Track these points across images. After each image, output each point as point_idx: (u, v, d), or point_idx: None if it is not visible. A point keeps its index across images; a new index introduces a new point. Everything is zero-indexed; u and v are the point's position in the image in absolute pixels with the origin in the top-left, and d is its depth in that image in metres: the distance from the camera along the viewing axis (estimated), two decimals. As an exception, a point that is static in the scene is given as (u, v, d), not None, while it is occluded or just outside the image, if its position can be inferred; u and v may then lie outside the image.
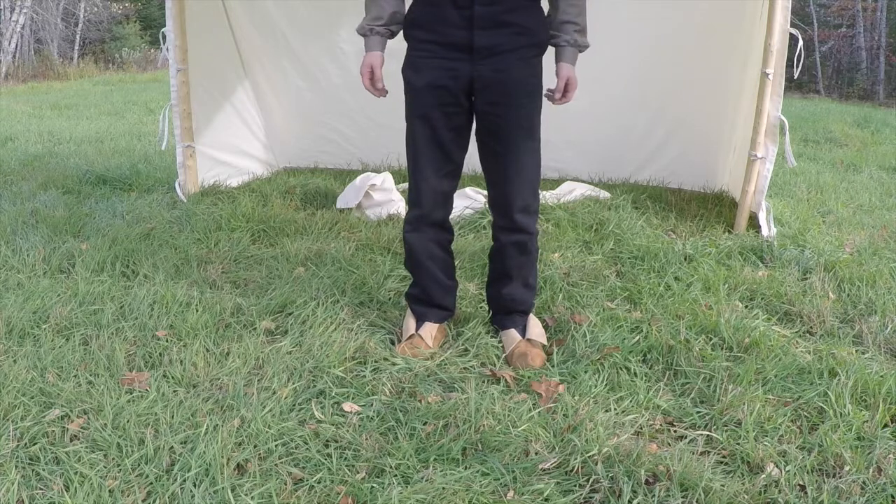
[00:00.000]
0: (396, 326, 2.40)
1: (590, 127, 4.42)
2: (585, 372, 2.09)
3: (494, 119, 2.07)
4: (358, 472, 1.64)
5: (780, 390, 2.01)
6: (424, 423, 1.83)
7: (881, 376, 2.05)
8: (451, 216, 2.27)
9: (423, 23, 2.03)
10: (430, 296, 2.30)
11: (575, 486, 1.62)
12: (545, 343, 2.25)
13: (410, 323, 2.31)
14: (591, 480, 1.63)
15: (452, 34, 1.99)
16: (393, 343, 2.28)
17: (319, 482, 1.61)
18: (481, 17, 1.96)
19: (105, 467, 1.63)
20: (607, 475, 1.63)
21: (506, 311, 2.28)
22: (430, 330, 2.28)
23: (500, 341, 2.27)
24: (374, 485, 1.59)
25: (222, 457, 1.64)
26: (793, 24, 3.34)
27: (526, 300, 2.28)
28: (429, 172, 2.13)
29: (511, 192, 2.11)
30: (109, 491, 1.54)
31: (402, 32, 2.13)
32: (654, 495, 1.57)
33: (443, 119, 2.08)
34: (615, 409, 1.90)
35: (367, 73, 2.08)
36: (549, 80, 2.06)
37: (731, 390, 1.98)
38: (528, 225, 2.16)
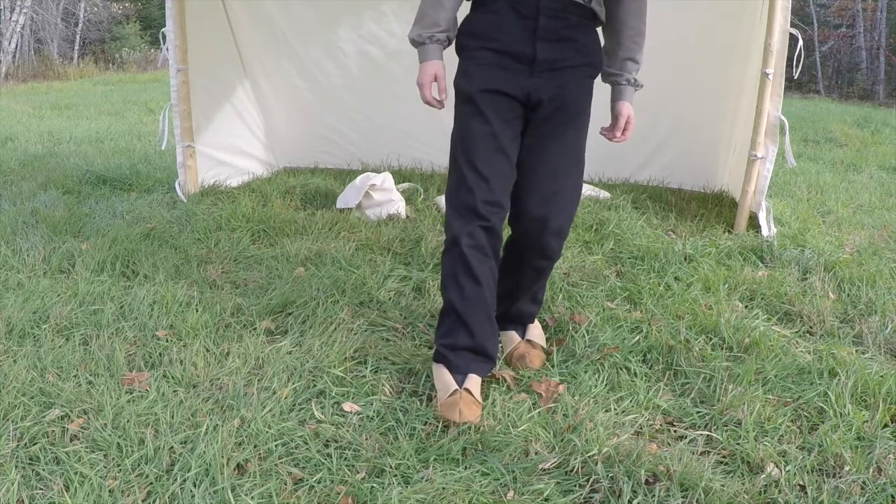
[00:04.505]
0: (397, 323, 2.40)
1: (589, 127, 4.43)
2: (585, 372, 2.09)
3: (542, 136, 1.95)
4: (358, 472, 1.64)
5: (780, 390, 2.01)
6: (424, 423, 1.83)
7: (881, 376, 2.05)
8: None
9: (481, 32, 1.91)
10: (483, 343, 1.94)
11: (575, 486, 1.62)
12: (544, 345, 2.25)
13: (448, 377, 1.93)
14: (591, 480, 1.63)
15: (513, 45, 1.89)
16: (390, 341, 2.28)
17: (319, 482, 1.61)
18: (545, 30, 1.88)
19: (105, 467, 1.63)
20: (607, 475, 1.63)
21: (510, 320, 2.24)
22: (477, 385, 1.93)
23: (499, 342, 2.27)
24: (374, 485, 1.59)
25: (222, 457, 1.64)
26: (793, 24, 3.34)
27: (532, 313, 2.24)
28: (496, 164, 1.90)
29: (547, 212, 1.94)
30: (109, 491, 1.54)
31: (454, 46, 2.00)
32: (654, 495, 1.57)
33: (503, 125, 1.91)
34: (615, 409, 1.90)
35: (429, 82, 1.90)
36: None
37: (731, 390, 1.98)
38: (554, 250, 2.00)
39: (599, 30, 2.03)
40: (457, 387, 1.89)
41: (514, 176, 1.95)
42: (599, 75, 2.05)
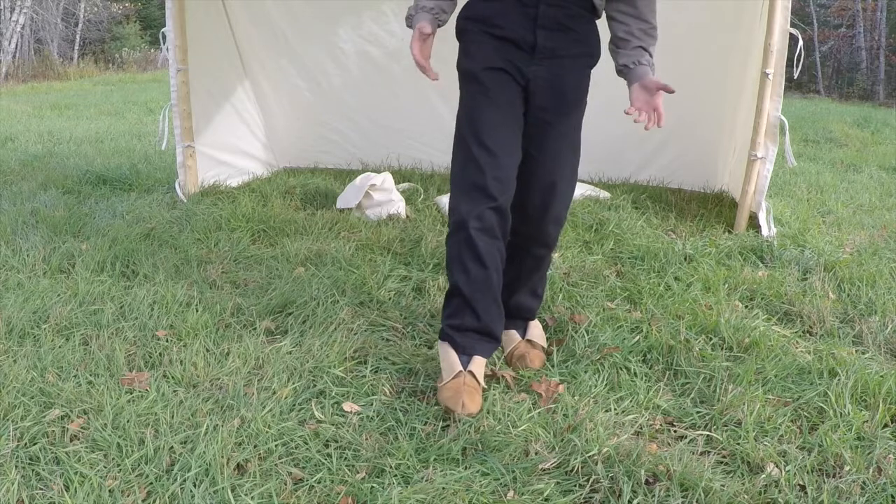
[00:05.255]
0: (397, 323, 2.40)
1: (590, 127, 4.42)
2: (585, 372, 2.09)
3: (541, 125, 1.96)
4: (358, 472, 1.64)
5: (780, 390, 2.01)
6: (424, 423, 1.83)
7: (881, 376, 2.04)
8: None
9: (483, 17, 1.92)
10: (488, 325, 1.96)
11: (575, 486, 1.62)
12: (545, 345, 2.24)
13: (453, 356, 1.94)
14: (591, 480, 1.63)
15: (514, 31, 1.89)
16: (390, 341, 2.28)
17: (319, 482, 1.60)
18: (545, 17, 1.88)
19: (105, 467, 1.63)
20: (607, 475, 1.63)
21: (509, 315, 2.24)
22: (481, 367, 1.95)
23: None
24: (374, 485, 1.59)
25: (222, 457, 1.64)
26: (793, 24, 3.34)
27: (532, 308, 2.24)
28: (501, 141, 1.88)
29: (547, 201, 1.98)
30: (109, 491, 1.54)
31: (455, 31, 1.99)
32: (654, 495, 1.57)
33: (508, 104, 1.90)
34: (615, 409, 1.90)
35: (416, 39, 1.88)
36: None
37: (731, 390, 1.98)
38: (553, 238, 2.05)
39: (599, 24, 2.02)
40: (461, 368, 1.91)
41: (520, 154, 1.95)
42: (614, 70, 2.02)
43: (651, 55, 1.99)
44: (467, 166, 1.89)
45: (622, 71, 2.01)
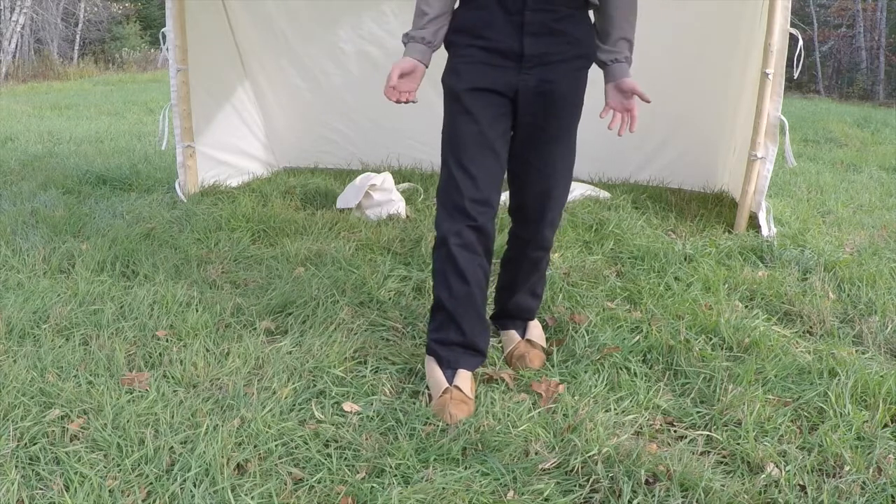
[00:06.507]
0: (397, 323, 2.40)
1: (590, 127, 4.42)
2: (585, 372, 2.09)
3: (535, 131, 1.94)
4: (358, 472, 1.64)
5: (780, 390, 2.01)
6: (424, 423, 1.83)
7: (881, 376, 2.05)
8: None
9: (468, 28, 1.89)
10: (473, 339, 1.98)
11: (575, 486, 1.62)
12: (545, 345, 2.25)
13: (439, 374, 1.97)
14: (591, 480, 1.63)
15: (501, 40, 1.85)
16: (390, 341, 2.28)
17: (319, 482, 1.61)
18: (531, 24, 1.84)
19: (105, 467, 1.63)
20: (607, 475, 1.63)
21: (509, 315, 2.27)
22: (467, 380, 1.97)
23: (499, 342, 2.27)
24: (374, 485, 1.59)
25: (222, 457, 1.64)
26: (793, 24, 3.34)
27: (531, 308, 2.26)
28: (480, 161, 1.88)
29: (543, 205, 1.99)
30: (109, 491, 1.54)
31: (444, 43, 1.97)
32: (654, 495, 1.57)
33: (491, 122, 1.89)
34: (615, 409, 1.90)
35: (394, 76, 1.86)
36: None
37: (731, 390, 1.98)
38: (549, 240, 2.07)
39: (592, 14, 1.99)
40: (447, 385, 1.93)
41: (503, 173, 1.96)
42: (594, 62, 1.99)
43: (631, 41, 1.95)
44: (449, 187, 1.90)
45: (599, 65, 1.98)
